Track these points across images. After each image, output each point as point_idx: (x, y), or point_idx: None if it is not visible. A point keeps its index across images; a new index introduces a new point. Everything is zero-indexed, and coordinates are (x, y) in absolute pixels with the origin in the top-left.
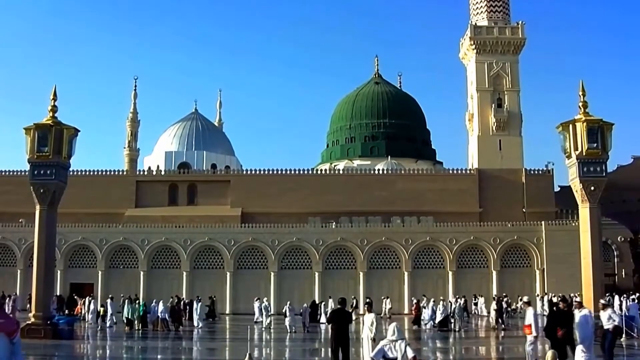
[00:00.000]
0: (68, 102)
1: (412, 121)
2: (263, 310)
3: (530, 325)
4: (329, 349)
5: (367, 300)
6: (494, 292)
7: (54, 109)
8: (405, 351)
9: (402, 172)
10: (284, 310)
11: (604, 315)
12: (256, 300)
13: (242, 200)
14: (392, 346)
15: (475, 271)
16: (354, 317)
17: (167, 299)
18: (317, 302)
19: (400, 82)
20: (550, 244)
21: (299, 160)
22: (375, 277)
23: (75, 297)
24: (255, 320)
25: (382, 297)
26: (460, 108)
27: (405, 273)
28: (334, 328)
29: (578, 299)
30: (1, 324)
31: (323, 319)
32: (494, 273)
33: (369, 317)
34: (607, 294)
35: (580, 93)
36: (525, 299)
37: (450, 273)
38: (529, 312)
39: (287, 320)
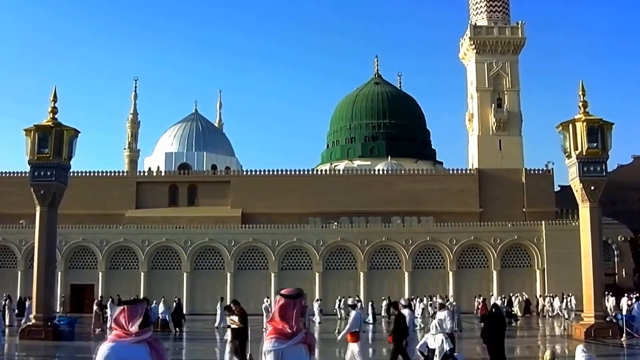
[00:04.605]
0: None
1: (412, 121)
2: (264, 311)
3: (355, 333)
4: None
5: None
6: (495, 291)
7: (54, 110)
8: (442, 343)
9: (402, 172)
10: None
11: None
12: (316, 301)
13: (242, 201)
14: (433, 339)
15: (475, 271)
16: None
17: (169, 300)
18: (355, 302)
19: (400, 83)
20: (550, 244)
21: (299, 160)
22: (375, 278)
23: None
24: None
25: (339, 297)
26: (460, 108)
27: (406, 273)
28: (241, 329)
29: (404, 303)
30: (304, 337)
31: (371, 319)
32: (495, 273)
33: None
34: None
35: (580, 93)
36: (349, 301)
37: (450, 273)
38: (352, 315)
39: None
